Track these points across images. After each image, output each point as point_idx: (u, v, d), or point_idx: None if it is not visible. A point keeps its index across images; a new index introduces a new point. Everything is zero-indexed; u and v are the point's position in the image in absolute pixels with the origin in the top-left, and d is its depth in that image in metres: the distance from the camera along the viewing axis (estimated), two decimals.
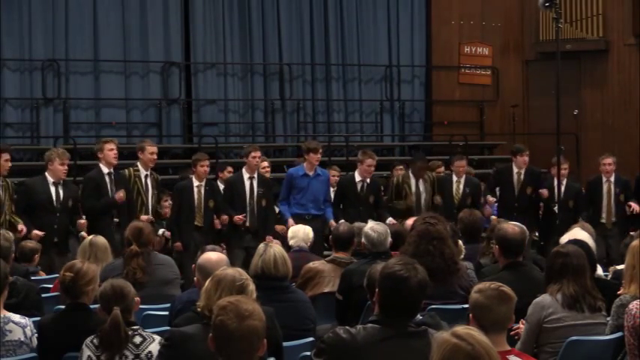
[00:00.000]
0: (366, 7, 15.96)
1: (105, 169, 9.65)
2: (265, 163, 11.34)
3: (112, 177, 9.59)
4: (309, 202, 10.58)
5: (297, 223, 10.00)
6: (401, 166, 12.77)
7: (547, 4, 9.47)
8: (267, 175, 11.24)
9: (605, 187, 11.53)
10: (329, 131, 15.63)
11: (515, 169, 11.55)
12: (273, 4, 15.28)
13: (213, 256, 5.27)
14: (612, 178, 11.52)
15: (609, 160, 11.53)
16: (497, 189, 11.78)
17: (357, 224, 7.37)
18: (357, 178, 10.84)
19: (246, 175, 10.35)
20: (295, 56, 15.47)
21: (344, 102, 15.82)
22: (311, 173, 10.62)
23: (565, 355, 4.98)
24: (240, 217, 10.11)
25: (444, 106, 16.57)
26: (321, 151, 10.79)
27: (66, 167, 9.33)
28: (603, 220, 11.46)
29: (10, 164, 9.26)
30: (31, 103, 13.64)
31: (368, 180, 10.83)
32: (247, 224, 10.27)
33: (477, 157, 15.58)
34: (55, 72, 13.77)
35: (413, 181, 10.98)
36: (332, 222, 10.37)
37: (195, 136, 14.70)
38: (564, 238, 6.40)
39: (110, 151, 9.57)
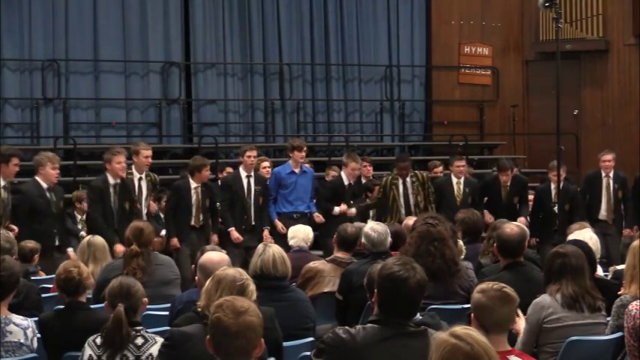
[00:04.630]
0: (366, 7, 15.95)
1: (345, 180, 10.60)
2: (267, 164, 11.34)
3: (117, 188, 9.28)
4: (297, 200, 10.72)
5: (285, 222, 10.21)
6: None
7: (547, 4, 9.47)
8: (268, 175, 11.27)
9: (604, 182, 11.44)
10: (329, 131, 15.63)
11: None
12: (273, 4, 15.28)
13: (214, 256, 5.27)
14: (611, 174, 11.45)
15: (609, 156, 11.44)
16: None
17: (357, 224, 7.37)
18: (345, 180, 10.98)
19: (243, 174, 10.46)
20: (295, 56, 15.47)
21: (344, 102, 15.81)
22: (297, 171, 10.76)
23: (565, 355, 4.98)
24: (237, 236, 10.18)
25: (444, 106, 16.57)
26: (305, 149, 10.91)
27: (58, 171, 9.09)
28: (603, 217, 11.39)
29: (17, 169, 9.03)
30: (31, 103, 13.64)
31: (352, 181, 11.05)
32: (247, 223, 10.37)
33: (477, 157, 15.58)
34: (55, 72, 13.77)
35: (400, 182, 11.03)
36: (316, 214, 10.75)
37: (195, 136, 14.69)
38: (570, 238, 6.40)
39: (118, 164, 9.23)
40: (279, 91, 15.26)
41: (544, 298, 5.16)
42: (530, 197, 11.65)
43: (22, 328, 4.87)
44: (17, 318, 4.92)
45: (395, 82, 16.04)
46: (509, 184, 11.41)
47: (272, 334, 4.58)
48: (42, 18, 13.75)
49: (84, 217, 11.19)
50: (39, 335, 4.99)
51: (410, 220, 7.85)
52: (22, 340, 4.84)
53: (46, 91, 13.68)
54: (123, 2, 14.25)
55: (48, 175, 8.95)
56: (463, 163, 11.54)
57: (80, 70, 14.04)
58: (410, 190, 11.00)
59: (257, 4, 15.16)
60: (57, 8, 13.84)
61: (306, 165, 11.18)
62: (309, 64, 15.56)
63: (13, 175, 8.97)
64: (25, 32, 13.63)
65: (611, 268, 6.77)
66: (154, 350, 4.39)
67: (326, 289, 6.62)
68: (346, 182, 10.97)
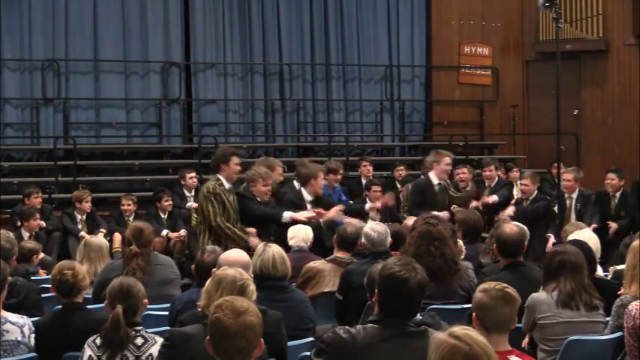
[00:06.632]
0: (366, 7, 15.95)
1: (435, 180, 10.07)
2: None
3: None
4: None
5: None
6: (402, 167, 12.73)
7: (547, 4, 9.47)
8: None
9: (567, 202, 10.71)
10: (329, 131, 15.63)
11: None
12: (273, 4, 15.28)
13: (232, 254, 5.28)
14: (574, 195, 10.74)
15: (568, 175, 10.67)
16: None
17: (357, 224, 7.35)
18: (435, 180, 10.09)
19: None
20: (295, 56, 15.47)
21: (344, 102, 15.82)
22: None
23: (565, 354, 4.99)
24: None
25: (444, 106, 16.57)
26: (341, 171, 10.29)
27: (269, 188, 8.43)
28: None
29: (239, 168, 8.34)
30: (31, 103, 13.63)
31: (444, 180, 10.17)
32: None
33: (477, 157, 15.57)
34: (55, 72, 13.77)
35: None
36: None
37: (195, 136, 14.69)
38: (570, 238, 6.40)
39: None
40: (279, 91, 15.27)
41: (540, 294, 5.21)
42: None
43: (19, 326, 4.87)
44: (13, 316, 4.91)
45: (395, 82, 16.04)
46: (493, 184, 11.17)
47: (277, 338, 4.59)
48: (42, 18, 13.75)
49: (84, 216, 11.18)
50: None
51: (410, 220, 7.85)
52: (19, 338, 4.84)
53: (46, 91, 13.68)
54: (123, 2, 14.25)
55: (259, 193, 8.41)
56: (465, 170, 11.33)
57: (80, 70, 14.04)
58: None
59: (257, 4, 15.17)
60: (57, 8, 13.84)
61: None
62: (309, 64, 15.57)
63: (235, 175, 8.32)
64: (25, 32, 13.63)
65: (612, 268, 6.77)
66: (154, 350, 4.39)
67: (326, 289, 6.62)
68: (435, 182, 10.06)
